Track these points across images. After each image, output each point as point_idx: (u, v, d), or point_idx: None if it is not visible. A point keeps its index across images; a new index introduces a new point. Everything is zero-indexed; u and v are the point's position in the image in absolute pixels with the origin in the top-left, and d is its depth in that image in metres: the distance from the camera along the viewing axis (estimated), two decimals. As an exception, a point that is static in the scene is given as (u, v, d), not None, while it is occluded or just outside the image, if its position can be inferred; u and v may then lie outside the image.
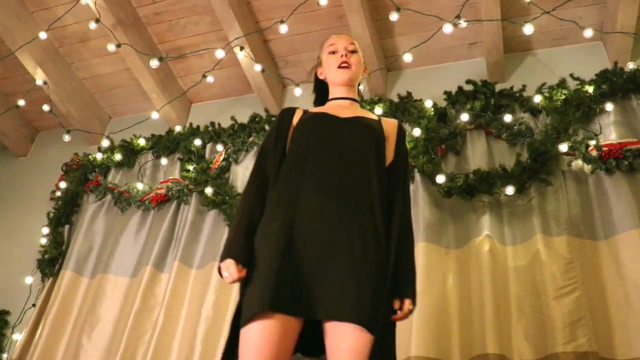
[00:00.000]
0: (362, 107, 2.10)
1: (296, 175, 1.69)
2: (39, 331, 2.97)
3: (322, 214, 1.60)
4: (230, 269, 1.56)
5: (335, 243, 1.56)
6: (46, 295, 3.13)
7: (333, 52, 1.95)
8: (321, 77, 2.01)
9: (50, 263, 3.22)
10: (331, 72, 1.94)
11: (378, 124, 1.84)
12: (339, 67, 1.91)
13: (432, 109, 2.91)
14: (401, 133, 1.89)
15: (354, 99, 1.94)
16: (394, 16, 2.91)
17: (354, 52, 1.95)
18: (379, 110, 2.96)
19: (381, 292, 1.53)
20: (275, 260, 1.52)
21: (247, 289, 1.54)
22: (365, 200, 1.65)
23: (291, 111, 1.90)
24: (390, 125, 1.89)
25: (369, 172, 1.70)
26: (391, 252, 1.61)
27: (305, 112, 1.90)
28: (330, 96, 1.96)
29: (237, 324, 1.52)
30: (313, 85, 2.08)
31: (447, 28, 2.85)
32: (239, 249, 1.60)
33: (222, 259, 1.59)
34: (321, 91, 2.05)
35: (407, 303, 1.60)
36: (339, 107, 1.88)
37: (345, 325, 1.46)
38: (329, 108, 1.90)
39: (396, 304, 1.59)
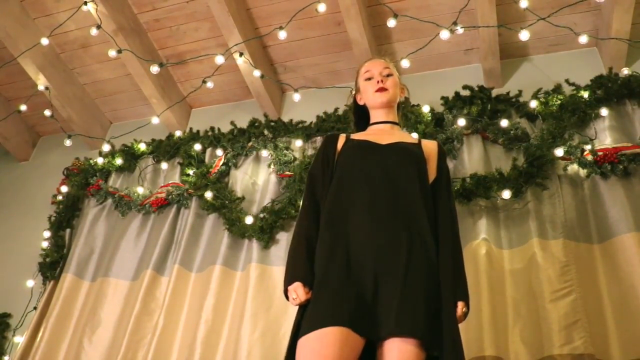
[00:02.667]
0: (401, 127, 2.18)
1: (344, 201, 1.77)
2: (40, 334, 2.98)
3: (373, 236, 1.68)
4: (299, 291, 1.63)
5: (388, 264, 1.62)
6: (47, 298, 3.14)
7: (369, 79, 2.04)
8: (360, 103, 2.10)
9: (52, 266, 3.23)
10: (369, 97, 2.03)
11: (418, 147, 1.93)
12: (377, 91, 1.99)
13: (430, 114, 2.94)
14: (442, 152, 1.99)
15: (394, 122, 2.02)
16: (391, 22, 2.94)
17: (389, 75, 2.04)
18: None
19: (436, 305, 1.60)
20: (335, 282, 1.59)
21: (308, 308, 1.61)
22: (413, 219, 1.72)
23: (335, 137, 1.99)
24: (430, 146, 1.99)
25: (413, 193, 1.78)
26: (443, 259, 1.70)
27: (347, 137, 1.98)
28: (372, 120, 2.05)
29: (295, 343, 1.57)
30: (352, 110, 2.18)
31: (444, 34, 2.88)
32: (305, 272, 1.67)
33: (290, 282, 1.66)
34: (360, 116, 2.14)
35: (461, 305, 1.68)
36: (380, 132, 1.97)
37: (398, 341, 1.52)
38: (370, 134, 1.98)
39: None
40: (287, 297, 1.68)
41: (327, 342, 1.47)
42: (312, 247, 1.73)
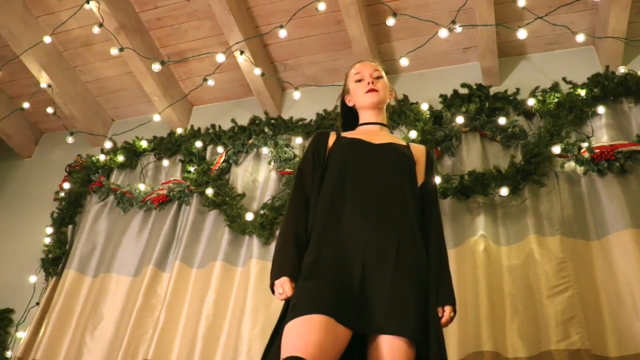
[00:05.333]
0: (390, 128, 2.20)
1: (336, 198, 1.78)
2: (42, 329, 3.01)
3: (362, 232, 1.69)
4: (285, 286, 1.63)
5: (377, 260, 1.64)
6: (50, 293, 3.17)
7: (359, 80, 2.05)
8: (350, 104, 2.12)
9: (54, 262, 3.26)
10: (359, 98, 2.04)
11: (408, 149, 1.96)
12: (367, 92, 2.01)
13: (428, 112, 2.96)
14: (429, 157, 2.01)
15: (382, 123, 2.04)
16: (390, 21, 2.96)
17: (379, 77, 2.06)
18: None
19: (424, 303, 1.62)
20: (322, 275, 1.60)
21: (294, 297, 1.61)
22: (403, 219, 1.74)
23: (325, 135, 2.00)
24: (419, 150, 2.00)
25: (404, 193, 1.80)
26: (431, 262, 1.71)
27: (338, 135, 1.99)
28: (361, 121, 2.07)
29: (278, 332, 1.59)
30: (340, 112, 2.20)
31: (443, 33, 2.89)
32: (293, 267, 1.67)
33: (277, 276, 1.66)
34: (348, 117, 2.15)
35: (449, 310, 1.68)
36: (370, 133, 1.98)
37: (388, 338, 1.53)
38: (360, 133, 1.99)
39: (439, 312, 1.67)
40: (272, 291, 1.68)
41: (313, 327, 1.48)
42: (300, 242, 1.73)
